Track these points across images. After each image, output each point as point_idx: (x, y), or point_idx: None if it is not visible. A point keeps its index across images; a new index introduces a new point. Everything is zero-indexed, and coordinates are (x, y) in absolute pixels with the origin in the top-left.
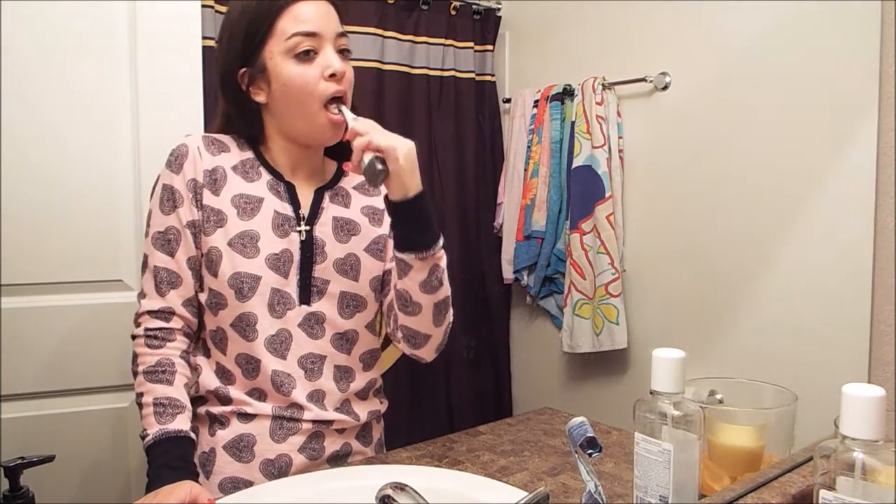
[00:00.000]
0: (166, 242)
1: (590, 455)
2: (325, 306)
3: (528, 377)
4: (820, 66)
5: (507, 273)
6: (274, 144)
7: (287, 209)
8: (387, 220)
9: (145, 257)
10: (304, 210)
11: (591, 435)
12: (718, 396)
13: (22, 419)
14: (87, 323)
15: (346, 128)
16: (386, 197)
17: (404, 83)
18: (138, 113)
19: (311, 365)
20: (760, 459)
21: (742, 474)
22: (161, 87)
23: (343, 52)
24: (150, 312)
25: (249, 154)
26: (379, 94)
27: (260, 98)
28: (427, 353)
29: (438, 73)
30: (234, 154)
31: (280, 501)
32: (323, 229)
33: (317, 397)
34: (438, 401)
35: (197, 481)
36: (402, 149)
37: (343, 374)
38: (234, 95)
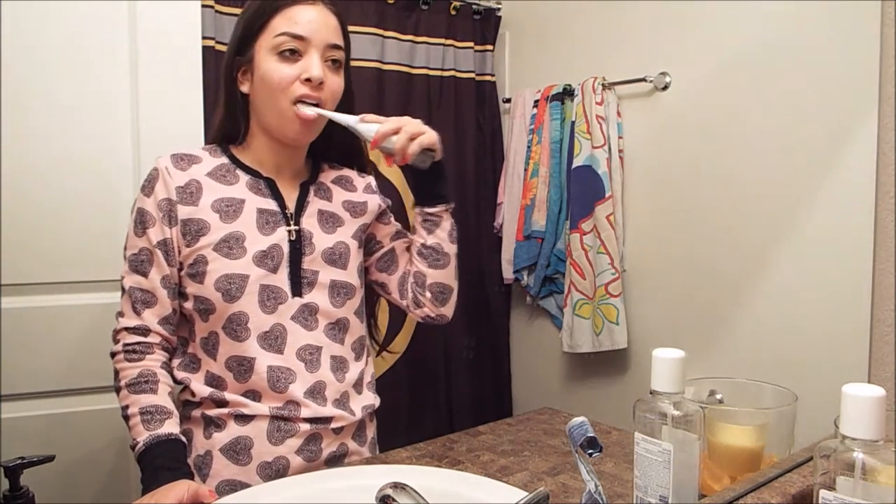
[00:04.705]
0: (139, 264)
1: (590, 455)
2: (316, 297)
3: (528, 377)
4: (820, 67)
5: (507, 273)
6: (258, 143)
7: (271, 204)
8: (368, 210)
9: (122, 279)
10: (290, 205)
11: (591, 435)
12: (718, 396)
13: (22, 419)
14: (87, 323)
15: (319, 126)
16: (411, 169)
17: (404, 83)
18: (138, 113)
19: (310, 356)
20: (760, 459)
21: (742, 474)
22: (161, 87)
23: (335, 65)
24: (127, 329)
25: (224, 160)
26: (379, 94)
27: (244, 88)
28: (450, 310)
29: (438, 73)
30: (207, 162)
31: (280, 501)
32: (310, 220)
33: (316, 391)
34: (438, 401)
35: (193, 481)
36: (435, 135)
37: (339, 364)
38: (228, 84)
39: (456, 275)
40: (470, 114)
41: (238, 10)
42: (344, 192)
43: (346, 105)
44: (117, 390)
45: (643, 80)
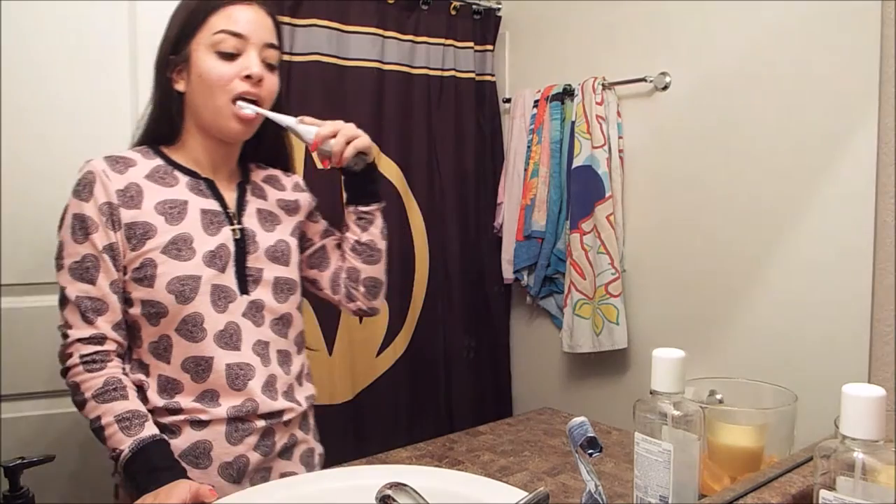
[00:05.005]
0: (84, 271)
1: (590, 455)
2: (262, 293)
3: (528, 377)
4: (820, 67)
5: (507, 273)
6: (194, 142)
7: (213, 205)
8: (301, 208)
9: (62, 291)
10: (231, 205)
11: (591, 435)
12: (718, 396)
13: (22, 419)
14: None
15: (258, 123)
16: (345, 171)
17: (404, 83)
18: (138, 113)
19: (263, 351)
20: (760, 459)
21: (742, 474)
22: None
23: (270, 66)
24: (80, 340)
25: (159, 161)
26: (379, 94)
27: (179, 86)
28: (380, 302)
29: (438, 73)
30: (142, 165)
31: (279, 501)
32: (251, 220)
33: (270, 384)
34: (438, 401)
35: (189, 478)
36: (368, 138)
37: (284, 357)
38: (161, 83)
39: (386, 269)
40: (470, 114)
41: None
42: (276, 192)
43: (276, 106)
44: (81, 404)
45: (643, 80)
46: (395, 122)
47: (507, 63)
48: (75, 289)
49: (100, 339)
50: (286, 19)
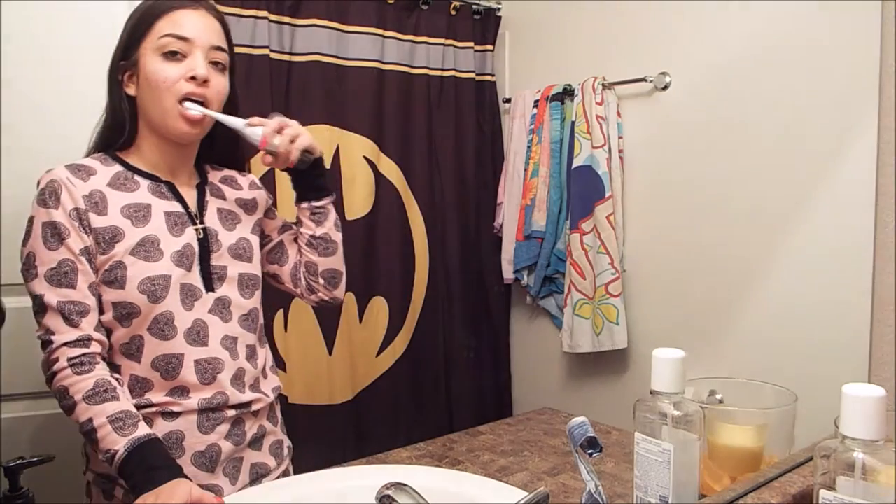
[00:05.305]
0: (62, 276)
1: (590, 455)
2: (228, 290)
3: (528, 377)
4: (820, 66)
5: (507, 273)
6: (148, 145)
7: (176, 206)
8: (259, 206)
9: (39, 299)
10: (192, 206)
11: (591, 435)
12: (718, 396)
13: (22, 419)
14: None
15: (207, 124)
16: (292, 169)
17: (404, 83)
18: None
19: (231, 345)
20: (760, 459)
21: (742, 474)
22: None
23: (218, 67)
24: (66, 344)
25: (118, 167)
26: (379, 94)
27: (130, 90)
28: (341, 292)
29: (438, 73)
30: (102, 173)
31: (280, 501)
32: (212, 219)
33: (238, 377)
34: (438, 401)
35: (187, 477)
36: (310, 136)
37: (251, 352)
38: (114, 87)
39: (343, 259)
40: (470, 114)
41: (239, 10)
42: (233, 191)
43: (230, 109)
44: (70, 408)
45: (643, 80)
46: (395, 122)
47: (507, 63)
48: (55, 294)
49: (86, 342)
50: (286, 19)
